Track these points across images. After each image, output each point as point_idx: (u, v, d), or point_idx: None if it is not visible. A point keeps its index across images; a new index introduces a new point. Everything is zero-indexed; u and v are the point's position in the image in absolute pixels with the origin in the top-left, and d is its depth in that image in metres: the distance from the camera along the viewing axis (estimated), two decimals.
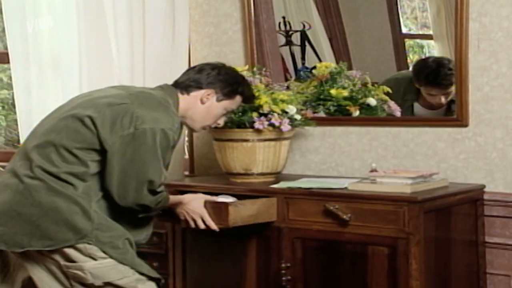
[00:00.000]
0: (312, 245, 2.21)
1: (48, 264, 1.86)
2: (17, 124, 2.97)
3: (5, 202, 1.87)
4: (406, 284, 2.03)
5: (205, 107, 2.05)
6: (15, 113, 2.99)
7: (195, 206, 2.07)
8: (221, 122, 2.14)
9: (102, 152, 1.87)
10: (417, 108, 2.52)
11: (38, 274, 1.88)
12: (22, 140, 2.93)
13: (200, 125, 2.10)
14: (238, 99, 2.11)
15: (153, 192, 1.90)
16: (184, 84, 2.05)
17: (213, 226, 2.08)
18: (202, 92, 2.05)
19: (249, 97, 2.17)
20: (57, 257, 1.84)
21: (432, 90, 2.47)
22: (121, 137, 1.84)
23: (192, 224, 2.09)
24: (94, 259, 1.83)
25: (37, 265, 1.87)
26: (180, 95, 2.04)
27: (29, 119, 2.87)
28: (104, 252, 1.83)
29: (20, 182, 1.86)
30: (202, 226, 2.08)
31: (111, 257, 1.83)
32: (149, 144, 1.84)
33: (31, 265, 1.89)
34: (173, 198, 2.07)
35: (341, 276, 2.17)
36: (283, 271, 2.21)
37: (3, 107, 3.91)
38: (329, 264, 2.19)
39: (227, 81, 2.08)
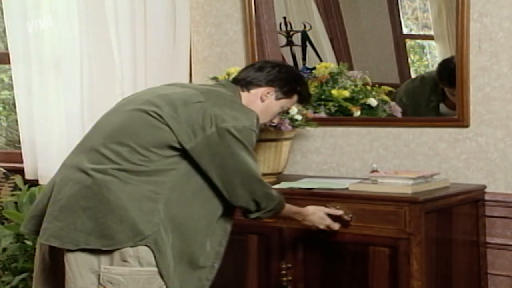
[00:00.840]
0: (313, 245, 2.21)
1: (87, 262, 1.78)
2: (18, 125, 2.97)
3: (70, 196, 1.78)
4: (407, 285, 2.03)
5: (264, 105, 2.02)
6: (16, 113, 2.99)
7: (316, 220, 2.09)
8: (275, 120, 2.13)
9: (179, 150, 1.82)
10: (443, 108, 2.47)
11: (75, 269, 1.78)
12: (22, 141, 2.92)
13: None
14: (295, 98, 2.08)
15: (261, 186, 1.86)
16: (245, 81, 2.02)
17: (336, 227, 2.12)
18: (262, 90, 2.01)
19: (306, 97, 2.13)
20: (102, 258, 1.76)
21: (454, 91, 2.39)
22: (205, 138, 1.80)
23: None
24: (141, 264, 1.77)
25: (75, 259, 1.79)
26: (241, 92, 2.02)
27: (30, 119, 2.87)
28: (155, 257, 1.76)
29: (89, 177, 1.78)
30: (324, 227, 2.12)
31: (157, 264, 1.77)
32: (237, 141, 1.82)
33: (68, 260, 1.79)
34: (292, 209, 2.05)
35: (342, 276, 2.17)
36: (284, 272, 2.21)
37: (4, 107, 3.91)
38: (330, 264, 2.19)
39: (287, 79, 2.04)
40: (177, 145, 1.82)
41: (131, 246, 1.76)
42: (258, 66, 2.06)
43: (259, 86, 2.01)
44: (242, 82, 2.02)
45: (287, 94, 2.04)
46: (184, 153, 1.82)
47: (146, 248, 1.76)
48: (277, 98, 2.03)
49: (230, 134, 1.82)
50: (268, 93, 2.02)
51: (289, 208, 2.02)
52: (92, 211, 1.77)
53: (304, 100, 2.14)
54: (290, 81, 2.05)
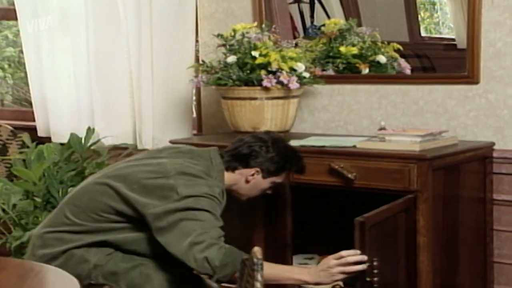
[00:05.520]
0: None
1: None
2: (24, 83, 2.97)
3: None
4: (413, 241, 2.04)
5: (250, 184, 2.00)
6: (21, 71, 2.98)
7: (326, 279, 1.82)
8: (269, 191, 2.07)
9: (126, 216, 1.88)
10: None
11: None
12: (34, 99, 2.93)
13: (246, 197, 2.05)
14: (285, 174, 2.04)
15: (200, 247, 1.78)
16: (231, 163, 1.99)
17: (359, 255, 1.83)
18: (247, 171, 1.99)
19: (298, 171, 2.07)
20: None
21: None
22: (165, 206, 1.81)
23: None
24: None
25: None
26: (225, 173, 1.99)
27: (40, 77, 2.86)
28: None
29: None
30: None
31: None
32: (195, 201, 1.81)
33: None
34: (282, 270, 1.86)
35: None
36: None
37: (9, 65, 3.89)
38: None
39: (273, 160, 1.99)
40: (127, 212, 1.86)
41: None
42: (247, 145, 1.99)
43: (245, 167, 1.99)
44: (229, 162, 1.99)
45: (275, 173, 2.01)
46: (130, 221, 1.87)
47: None
48: (264, 177, 2.00)
49: (188, 198, 1.80)
50: (253, 174, 1.99)
51: (275, 269, 1.81)
52: None
53: (297, 173, 2.09)
54: (277, 161, 2.00)
